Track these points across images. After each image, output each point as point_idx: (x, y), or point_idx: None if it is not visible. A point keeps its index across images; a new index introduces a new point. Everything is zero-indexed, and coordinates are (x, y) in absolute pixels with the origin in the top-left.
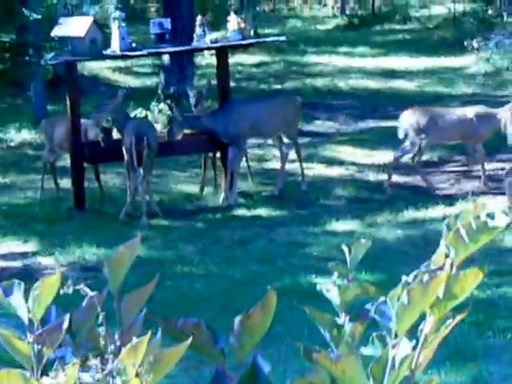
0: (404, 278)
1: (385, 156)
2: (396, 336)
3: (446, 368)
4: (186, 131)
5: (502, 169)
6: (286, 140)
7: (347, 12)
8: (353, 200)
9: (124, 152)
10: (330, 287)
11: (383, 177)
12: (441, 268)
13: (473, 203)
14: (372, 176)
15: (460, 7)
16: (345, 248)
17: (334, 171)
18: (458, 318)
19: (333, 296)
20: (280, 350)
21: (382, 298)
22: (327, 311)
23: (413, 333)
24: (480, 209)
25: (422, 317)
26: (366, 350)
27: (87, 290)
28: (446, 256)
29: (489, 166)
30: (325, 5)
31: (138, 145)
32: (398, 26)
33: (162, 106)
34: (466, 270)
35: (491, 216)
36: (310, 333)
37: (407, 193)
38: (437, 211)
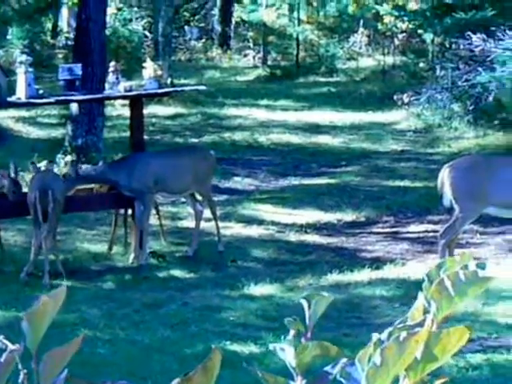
0: (375, 335)
1: (307, 215)
2: None
3: None
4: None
5: (434, 231)
6: (200, 197)
7: (269, 63)
8: (273, 262)
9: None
10: (285, 347)
11: (305, 237)
12: (419, 324)
13: (401, 264)
14: (293, 236)
15: (390, 60)
16: (304, 302)
17: (253, 231)
18: (438, 382)
19: (288, 357)
20: None
21: (344, 360)
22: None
23: None
24: (468, 258)
25: (395, 381)
26: None
27: (7, 342)
28: (425, 312)
29: (419, 228)
30: (245, 55)
31: (42, 199)
32: (323, 79)
33: (68, 158)
34: (448, 327)
35: (482, 267)
36: None
37: (331, 255)
38: (362, 275)
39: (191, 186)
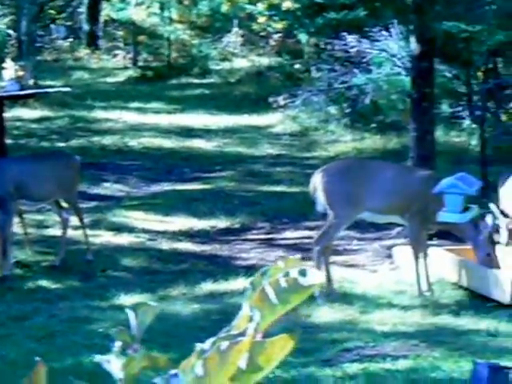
0: (199, 345)
1: (179, 222)
2: None
3: None
4: None
5: (310, 237)
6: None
7: (140, 63)
8: (144, 271)
9: None
10: (111, 359)
11: (177, 245)
12: (243, 334)
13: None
14: (165, 244)
15: (265, 61)
16: (130, 313)
17: (124, 239)
18: None
19: (115, 369)
20: None
21: (173, 371)
22: None
23: None
24: (292, 263)
25: None
26: None
27: None
28: (250, 320)
29: (295, 234)
30: (115, 55)
31: None
32: (196, 80)
33: None
34: (272, 337)
35: (303, 273)
36: None
37: (205, 263)
38: (237, 283)
39: (55, 192)
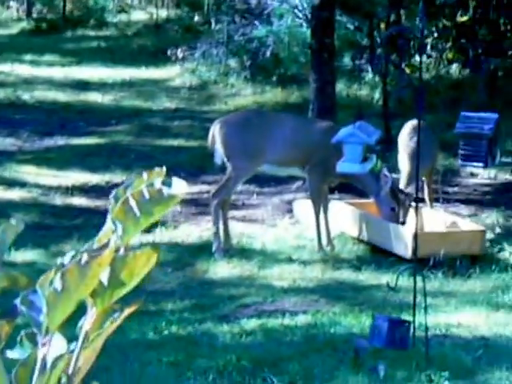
0: (59, 259)
1: (73, 177)
2: (47, 332)
3: None
4: None
5: (208, 192)
6: None
7: (34, 15)
8: (36, 226)
9: None
10: None
11: (71, 200)
12: (105, 247)
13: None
14: (59, 199)
15: (163, 13)
16: None
17: (15, 194)
18: (128, 310)
19: None
20: None
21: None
22: None
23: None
24: (155, 176)
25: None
26: (13, 354)
27: None
28: (113, 233)
29: (192, 189)
30: (8, 7)
31: None
32: (92, 33)
33: None
34: (136, 250)
35: (168, 184)
36: None
37: (99, 218)
38: (132, 239)
39: None
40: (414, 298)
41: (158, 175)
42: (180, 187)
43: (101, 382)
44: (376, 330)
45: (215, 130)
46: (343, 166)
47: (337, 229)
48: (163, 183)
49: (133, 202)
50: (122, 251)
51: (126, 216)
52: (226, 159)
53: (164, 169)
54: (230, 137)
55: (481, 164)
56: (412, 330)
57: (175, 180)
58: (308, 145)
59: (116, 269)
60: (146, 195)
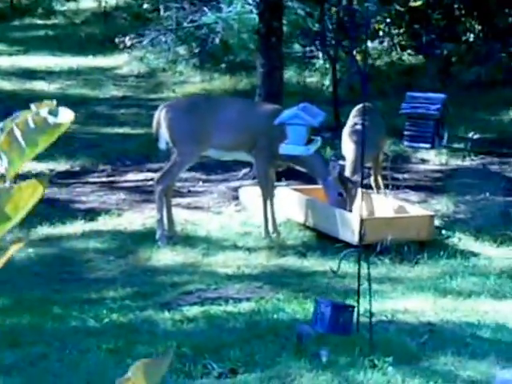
0: None
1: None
2: None
3: None
4: None
5: (153, 179)
6: None
7: None
8: None
9: None
10: None
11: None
12: None
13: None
14: None
15: (112, 1)
16: None
17: None
18: (15, 246)
19: None
20: None
21: None
22: None
23: None
24: (43, 106)
25: None
26: None
27: None
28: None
29: (137, 176)
30: None
31: None
32: (40, 21)
33: None
34: (21, 182)
35: (53, 113)
36: None
37: (42, 207)
38: (75, 227)
39: None
40: (359, 282)
41: (47, 106)
42: (66, 116)
43: (38, 370)
44: (319, 315)
45: (161, 115)
46: (287, 148)
47: (283, 215)
48: (49, 113)
49: (18, 132)
50: (7, 183)
51: (11, 147)
52: (171, 144)
53: (54, 101)
54: (175, 121)
55: (428, 145)
56: (356, 315)
57: (61, 109)
58: (254, 128)
59: (0, 202)
60: (31, 124)
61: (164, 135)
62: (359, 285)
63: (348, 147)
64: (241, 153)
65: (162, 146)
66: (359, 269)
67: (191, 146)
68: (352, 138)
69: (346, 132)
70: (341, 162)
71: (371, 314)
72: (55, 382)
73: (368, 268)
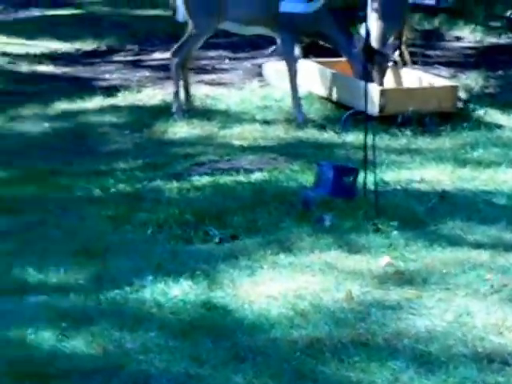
0: None
1: (43, 46)
2: None
3: (69, 265)
4: None
5: None
6: None
7: None
8: None
9: None
10: None
11: (38, 67)
12: None
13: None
14: (25, 67)
15: None
16: None
17: None
18: None
19: None
20: None
21: None
22: None
23: None
24: None
25: None
26: None
27: None
28: None
29: (163, 55)
30: None
31: None
32: None
33: None
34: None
35: None
36: None
37: (64, 84)
38: (93, 102)
39: None
40: (365, 148)
41: None
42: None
43: (33, 235)
44: (322, 178)
45: None
46: (287, 6)
47: (304, 88)
48: None
49: None
50: None
51: None
52: (187, 16)
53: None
54: None
55: (432, 1)
56: (363, 180)
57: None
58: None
59: None
60: None
61: (180, 7)
62: (366, 151)
63: (372, 21)
64: (260, 27)
65: (180, 17)
66: (366, 134)
67: (206, 17)
68: (375, 12)
69: (369, 7)
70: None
71: (375, 175)
72: (50, 246)
73: (373, 136)
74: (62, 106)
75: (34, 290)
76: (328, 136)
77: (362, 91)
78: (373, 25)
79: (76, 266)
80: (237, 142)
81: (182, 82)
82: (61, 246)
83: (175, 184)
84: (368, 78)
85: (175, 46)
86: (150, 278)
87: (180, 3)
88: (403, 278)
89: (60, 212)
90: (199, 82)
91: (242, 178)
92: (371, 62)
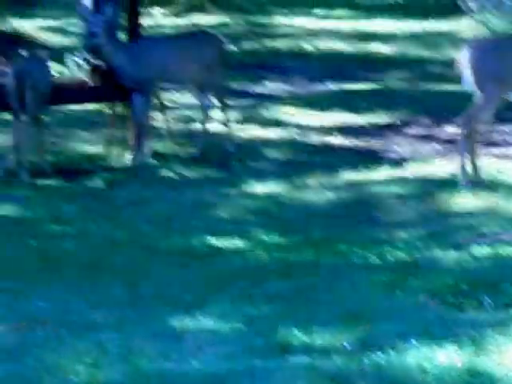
0: None
1: (336, 118)
2: None
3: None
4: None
5: None
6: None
7: None
8: (286, 163)
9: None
10: None
11: (329, 139)
12: None
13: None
14: (316, 138)
15: None
16: None
17: (274, 133)
18: None
19: None
20: None
21: None
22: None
23: None
24: None
25: None
26: None
27: None
28: None
29: (456, 129)
30: None
31: (20, 86)
32: None
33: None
34: None
35: None
36: None
37: (353, 155)
38: (380, 173)
39: (196, 74)
40: None
41: None
42: None
43: (305, 298)
44: None
45: (464, 55)
46: None
47: None
48: None
49: None
50: None
51: None
52: (475, 85)
53: None
54: (479, 61)
55: None
56: None
57: None
58: None
59: None
60: None
61: (467, 76)
62: None
63: None
64: None
65: (466, 87)
66: None
67: (494, 87)
68: None
69: None
70: None
71: None
72: (318, 310)
73: None
74: (347, 176)
75: (298, 351)
76: None
77: None
78: None
79: (342, 329)
80: None
81: (468, 154)
82: (329, 309)
83: (453, 254)
84: None
85: (462, 116)
86: (414, 341)
87: (466, 73)
88: None
89: (332, 277)
90: (487, 154)
91: None
92: None
